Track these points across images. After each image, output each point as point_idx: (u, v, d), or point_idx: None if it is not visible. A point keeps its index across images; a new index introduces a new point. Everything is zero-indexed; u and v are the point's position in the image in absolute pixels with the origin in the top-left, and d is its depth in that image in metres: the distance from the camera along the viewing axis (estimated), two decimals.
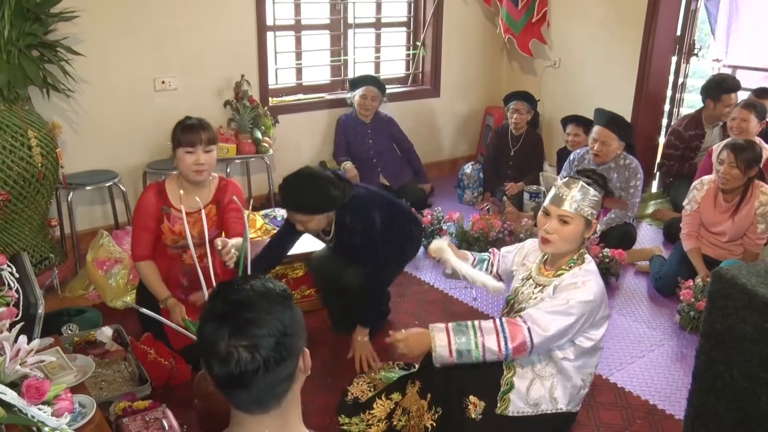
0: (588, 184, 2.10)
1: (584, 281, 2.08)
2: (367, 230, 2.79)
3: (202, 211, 2.59)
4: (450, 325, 2.10)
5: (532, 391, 2.15)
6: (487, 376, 2.17)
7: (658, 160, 5.11)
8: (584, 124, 4.40)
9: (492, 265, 2.52)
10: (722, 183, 3.40)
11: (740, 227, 3.41)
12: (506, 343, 2.03)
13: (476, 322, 2.08)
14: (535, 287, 2.20)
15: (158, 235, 2.75)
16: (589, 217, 2.09)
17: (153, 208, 2.72)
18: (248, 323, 1.11)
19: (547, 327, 2.03)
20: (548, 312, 2.05)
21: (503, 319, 2.10)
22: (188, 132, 2.62)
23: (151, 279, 2.73)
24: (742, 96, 4.63)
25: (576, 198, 2.08)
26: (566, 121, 4.64)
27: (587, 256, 2.18)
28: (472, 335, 2.05)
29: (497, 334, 2.04)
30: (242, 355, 1.09)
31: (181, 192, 2.67)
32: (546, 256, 2.24)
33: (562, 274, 2.14)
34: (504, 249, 2.53)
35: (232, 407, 1.18)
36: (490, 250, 2.56)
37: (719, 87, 4.52)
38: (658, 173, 5.06)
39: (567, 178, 2.15)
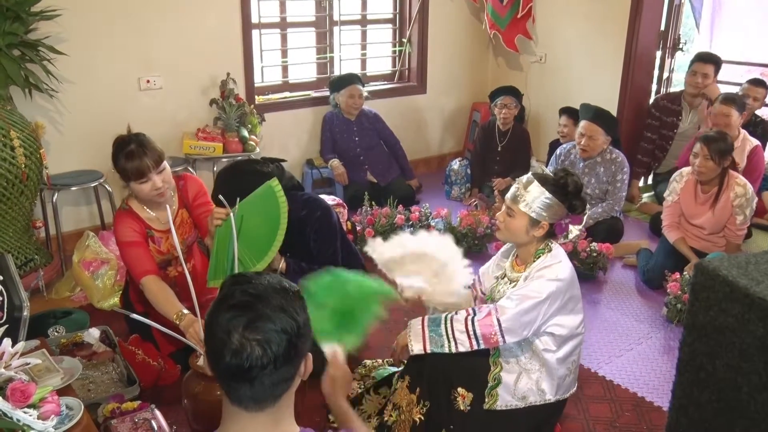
0: (542, 183, 2.14)
1: (551, 264, 2.13)
2: (326, 222, 2.66)
3: (180, 211, 2.61)
4: (426, 329, 2.15)
5: (519, 384, 2.17)
6: (474, 370, 2.19)
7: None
8: (576, 116, 4.43)
9: (475, 299, 2.49)
10: (698, 175, 3.46)
11: (719, 218, 3.47)
12: (473, 323, 2.08)
13: (449, 323, 2.14)
14: (509, 283, 2.24)
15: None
16: (536, 217, 2.14)
17: (140, 228, 2.59)
18: (264, 318, 1.11)
19: (515, 305, 2.07)
20: (516, 293, 2.11)
21: (477, 306, 2.19)
22: (131, 161, 2.41)
23: (160, 296, 2.46)
24: (725, 89, 4.67)
25: (526, 197, 2.14)
26: (561, 111, 4.66)
27: (554, 245, 2.22)
28: (445, 339, 2.12)
29: (466, 317, 2.11)
30: (255, 349, 1.09)
31: (152, 214, 2.62)
32: (515, 253, 2.29)
33: (531, 265, 2.19)
34: (481, 270, 2.51)
35: (226, 402, 1.18)
36: (471, 280, 2.48)
37: (697, 56, 4.58)
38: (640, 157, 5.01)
39: (527, 178, 2.19)
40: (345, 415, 1.52)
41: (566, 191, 2.15)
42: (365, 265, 3.03)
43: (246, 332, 1.09)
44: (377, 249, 2.38)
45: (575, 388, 2.32)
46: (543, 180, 2.15)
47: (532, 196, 2.13)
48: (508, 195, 2.21)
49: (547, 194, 2.13)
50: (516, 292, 2.11)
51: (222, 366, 1.11)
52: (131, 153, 2.42)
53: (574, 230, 2.21)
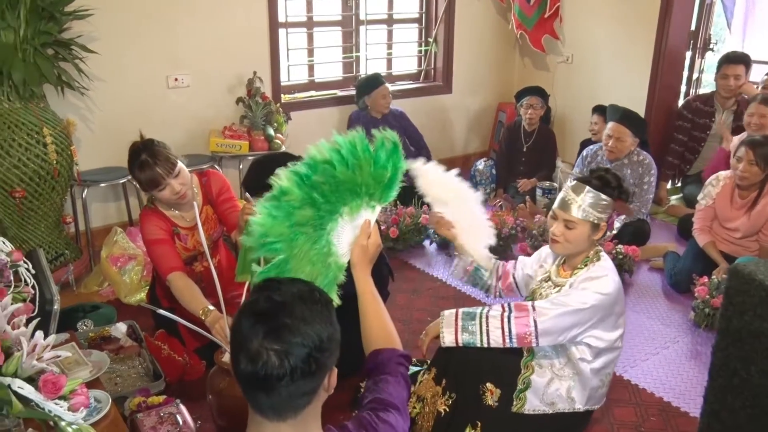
0: (597, 188, 2.08)
1: (599, 275, 2.08)
2: None
3: (205, 208, 2.61)
4: (459, 321, 2.12)
5: (549, 389, 2.14)
6: (504, 368, 2.17)
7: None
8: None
9: (495, 277, 2.44)
10: (740, 180, 3.37)
11: (755, 223, 3.38)
12: (509, 321, 2.05)
13: (484, 318, 2.10)
14: (554, 288, 2.20)
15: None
16: (596, 221, 2.09)
17: (166, 225, 2.62)
18: (285, 328, 1.09)
19: (554, 309, 2.03)
20: (559, 298, 2.07)
21: (513, 303, 2.13)
22: (143, 172, 2.44)
23: (187, 293, 2.46)
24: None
25: (582, 204, 2.08)
26: (595, 109, 4.61)
27: (603, 254, 2.17)
28: (478, 333, 2.08)
29: (502, 314, 2.07)
30: (272, 358, 1.07)
31: (176, 212, 2.65)
32: (563, 258, 2.24)
33: (578, 272, 2.15)
34: (521, 258, 2.49)
35: (250, 408, 1.17)
36: (505, 263, 2.48)
37: (724, 58, 4.50)
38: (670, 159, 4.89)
39: (575, 182, 2.12)
40: (365, 286, 1.52)
41: (611, 186, 2.11)
42: (390, 266, 3.03)
43: (265, 341, 1.08)
44: (428, 176, 2.20)
45: (604, 401, 2.28)
46: (589, 182, 2.10)
47: (587, 201, 2.07)
48: (559, 206, 2.12)
49: (600, 195, 2.08)
50: (558, 298, 2.08)
51: (239, 371, 1.11)
52: (142, 164, 2.44)
53: (618, 222, 2.17)
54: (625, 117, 3.92)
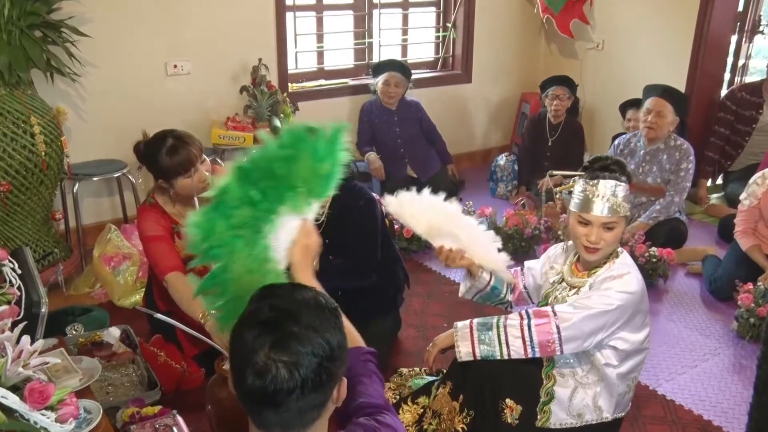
0: (616, 179, 2.06)
1: (621, 273, 2.06)
2: (368, 214, 2.65)
3: None
4: (474, 333, 2.10)
5: (574, 400, 2.13)
6: (525, 381, 2.15)
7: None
8: None
9: (512, 291, 2.44)
10: None
11: None
12: (530, 329, 2.03)
13: (501, 328, 2.08)
14: (570, 289, 2.18)
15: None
16: (628, 213, 2.09)
17: (165, 223, 2.61)
18: (293, 337, 1.09)
19: (577, 313, 2.01)
20: (580, 301, 2.05)
21: (531, 310, 2.11)
22: (175, 155, 2.43)
23: (186, 294, 2.40)
24: None
25: (612, 199, 2.04)
26: (626, 106, 4.56)
27: (620, 249, 2.16)
28: (497, 345, 2.07)
29: (521, 322, 2.05)
30: (281, 371, 1.06)
31: (177, 210, 2.64)
32: (576, 255, 2.22)
33: (597, 271, 2.13)
34: (527, 263, 2.47)
35: (252, 425, 1.16)
36: (512, 271, 2.45)
37: None
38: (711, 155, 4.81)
39: (595, 180, 2.07)
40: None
41: (616, 170, 2.08)
42: (407, 271, 3.02)
43: (272, 352, 1.07)
44: (407, 209, 2.25)
45: (629, 407, 2.27)
46: (601, 175, 2.07)
47: (617, 195, 2.05)
48: (588, 210, 2.06)
49: (623, 185, 2.06)
50: (580, 300, 2.06)
51: (244, 388, 1.09)
52: (174, 148, 2.45)
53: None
54: (667, 92, 3.91)
